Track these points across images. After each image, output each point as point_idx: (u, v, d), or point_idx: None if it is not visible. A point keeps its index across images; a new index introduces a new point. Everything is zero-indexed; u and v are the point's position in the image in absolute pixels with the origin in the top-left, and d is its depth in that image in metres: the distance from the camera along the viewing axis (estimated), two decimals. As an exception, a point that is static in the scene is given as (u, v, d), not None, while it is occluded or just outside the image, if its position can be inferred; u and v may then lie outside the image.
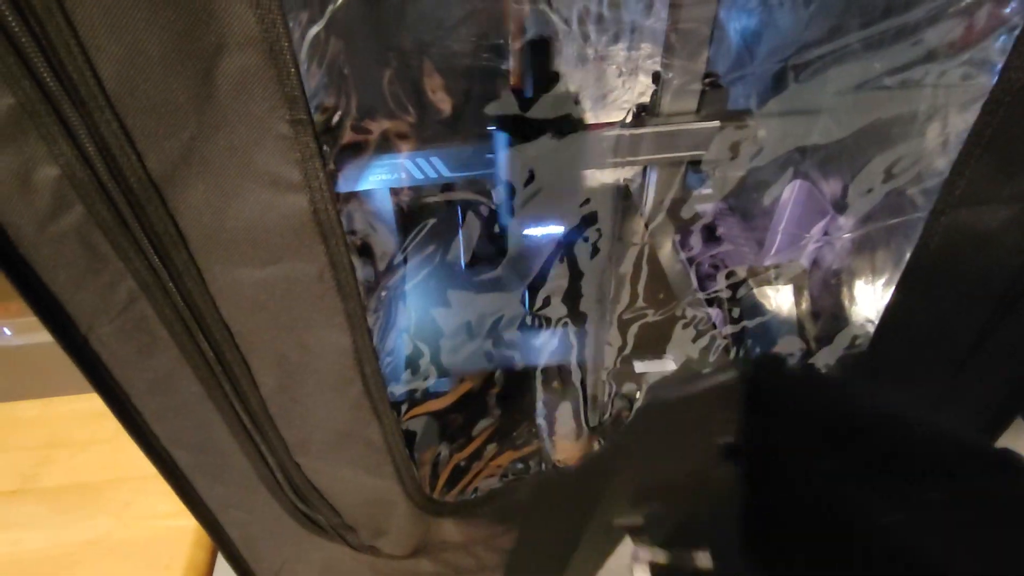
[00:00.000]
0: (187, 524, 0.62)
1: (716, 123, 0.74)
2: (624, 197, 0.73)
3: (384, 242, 0.75)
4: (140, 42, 0.26)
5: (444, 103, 0.71)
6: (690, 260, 0.87)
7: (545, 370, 0.57)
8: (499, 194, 0.64)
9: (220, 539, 0.53)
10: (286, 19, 0.26)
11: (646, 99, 0.77)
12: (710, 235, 0.89)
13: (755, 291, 0.80)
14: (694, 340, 0.60)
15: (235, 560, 0.55)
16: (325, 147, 0.50)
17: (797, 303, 0.76)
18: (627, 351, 0.55)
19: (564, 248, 0.61)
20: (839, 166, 0.74)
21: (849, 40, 0.68)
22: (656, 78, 0.76)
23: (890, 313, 0.42)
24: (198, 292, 0.35)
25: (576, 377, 0.54)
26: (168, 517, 0.63)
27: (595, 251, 0.60)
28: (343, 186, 0.71)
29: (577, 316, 0.55)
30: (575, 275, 0.58)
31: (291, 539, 0.53)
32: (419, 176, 0.75)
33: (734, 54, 0.82)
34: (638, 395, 0.53)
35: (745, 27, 0.81)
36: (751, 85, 0.80)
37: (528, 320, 0.59)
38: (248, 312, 0.36)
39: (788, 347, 0.69)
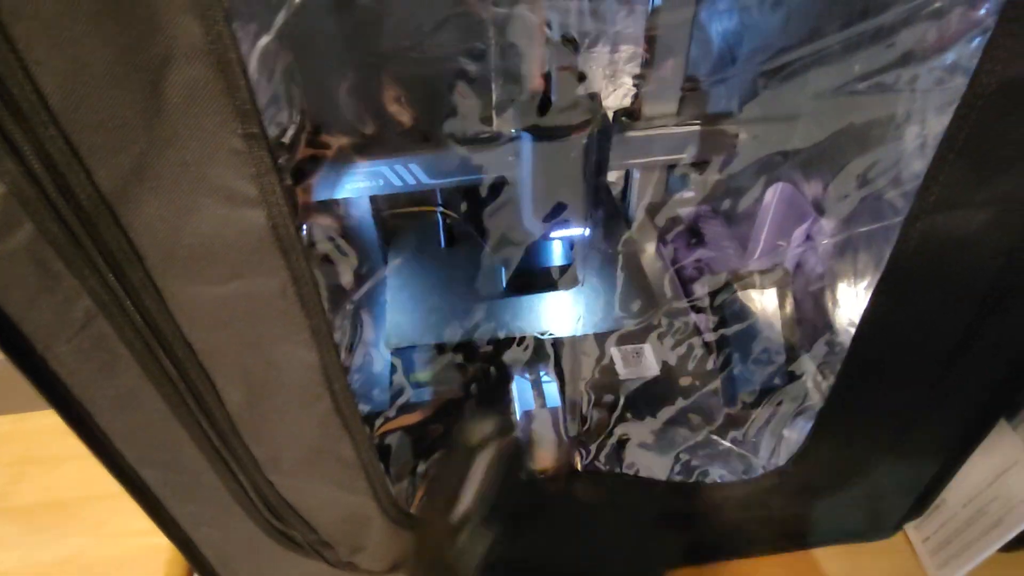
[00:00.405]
0: (162, 542, 0.60)
1: (696, 126, 0.74)
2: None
3: (364, 250, 0.74)
4: (83, 56, 0.25)
5: (409, 112, 0.70)
6: (673, 264, 0.86)
7: (522, 380, 0.56)
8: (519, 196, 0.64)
9: (194, 558, 0.51)
10: (233, 30, 0.25)
11: (628, 103, 0.77)
12: (693, 239, 0.89)
13: (740, 295, 0.80)
14: (672, 348, 0.59)
15: (211, 578, 0.54)
16: (282, 160, 0.49)
17: (780, 307, 0.76)
18: (604, 361, 0.54)
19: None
20: (820, 168, 0.74)
21: (827, 43, 0.68)
22: (636, 81, 0.76)
23: (869, 318, 0.41)
24: (157, 309, 0.34)
25: (555, 387, 0.53)
26: (143, 535, 0.61)
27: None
28: (320, 193, 0.70)
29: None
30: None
31: (267, 557, 0.52)
32: (397, 183, 0.74)
33: (716, 57, 0.81)
34: (620, 405, 0.53)
35: (726, 29, 0.81)
36: (732, 88, 0.79)
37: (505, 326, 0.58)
38: (210, 329, 0.35)
39: (769, 351, 0.69)
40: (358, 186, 0.72)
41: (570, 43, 0.76)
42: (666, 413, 0.55)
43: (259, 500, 0.46)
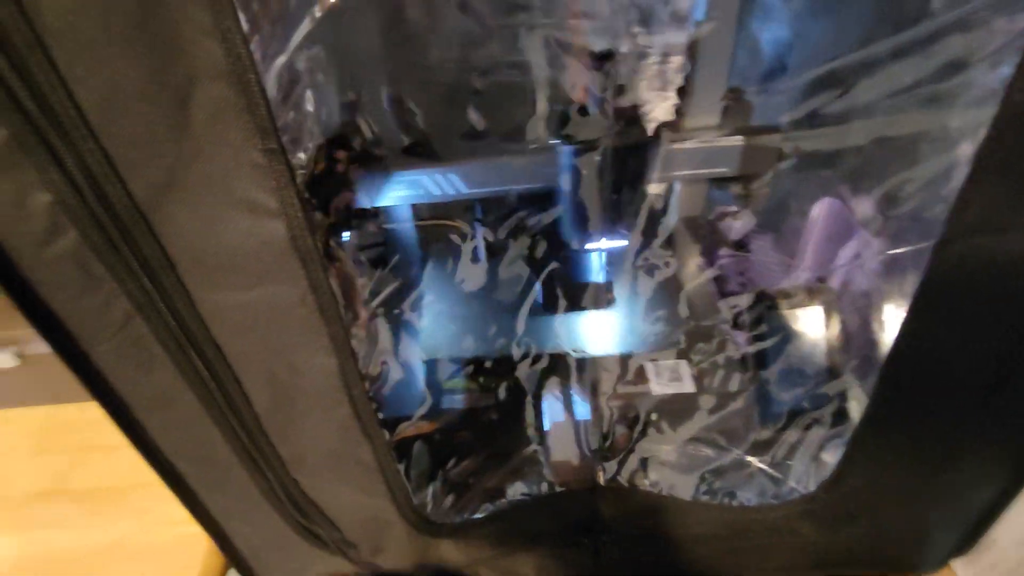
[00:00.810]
0: (201, 532, 0.63)
1: (739, 139, 0.72)
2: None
3: (405, 258, 0.76)
4: (116, 75, 0.27)
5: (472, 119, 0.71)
6: (715, 280, 0.85)
7: (544, 393, 0.56)
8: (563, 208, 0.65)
9: (227, 549, 0.54)
10: (251, 52, 0.26)
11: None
12: (737, 253, 0.87)
13: (783, 313, 0.78)
14: (705, 364, 0.58)
15: (244, 570, 0.56)
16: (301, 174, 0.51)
17: (826, 326, 0.73)
18: (627, 376, 0.54)
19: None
20: (869, 183, 0.71)
21: (878, 49, 0.65)
22: (680, 93, 0.75)
23: (902, 341, 0.40)
24: (188, 313, 0.36)
25: (576, 401, 0.53)
26: (185, 524, 0.64)
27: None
28: (362, 201, 0.72)
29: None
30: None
31: (296, 552, 0.54)
32: (437, 192, 0.75)
33: (762, 66, 0.79)
34: (641, 420, 0.52)
35: (773, 38, 0.79)
36: (779, 99, 0.77)
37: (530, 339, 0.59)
38: (237, 333, 0.37)
39: (810, 372, 0.66)
40: (398, 195, 0.74)
41: (609, 56, 0.76)
42: (688, 431, 0.54)
43: (286, 497, 0.48)
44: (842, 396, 0.63)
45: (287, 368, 0.38)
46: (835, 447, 0.53)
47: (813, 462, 0.54)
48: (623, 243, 0.78)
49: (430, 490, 0.52)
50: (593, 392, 0.52)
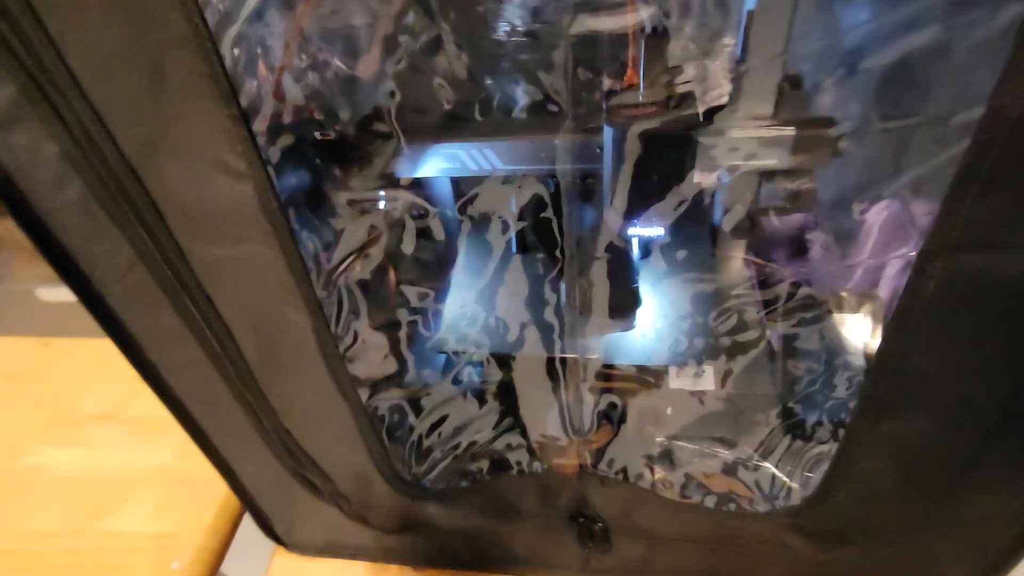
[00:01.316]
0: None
1: (791, 130, 0.69)
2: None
3: (446, 235, 0.77)
4: (99, 40, 0.30)
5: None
6: (760, 278, 0.81)
7: (530, 368, 0.56)
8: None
9: (236, 487, 0.58)
10: (205, 21, 0.28)
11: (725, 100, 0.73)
12: (790, 251, 0.82)
13: (831, 319, 0.74)
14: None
15: (253, 509, 0.61)
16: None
17: (872, 336, 0.69)
18: (601, 362, 0.53)
19: None
20: (931, 186, 0.66)
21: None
22: (734, 79, 0.72)
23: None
24: (181, 264, 0.39)
25: (559, 382, 0.53)
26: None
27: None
28: (403, 171, 0.74)
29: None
30: None
31: (296, 498, 0.57)
32: (473, 167, 0.76)
33: (823, 54, 0.74)
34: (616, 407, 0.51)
35: (836, 24, 0.73)
36: (842, 89, 0.72)
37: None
38: (224, 285, 0.40)
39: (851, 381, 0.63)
40: (437, 167, 0.76)
41: (662, 35, 0.73)
42: (674, 427, 0.52)
43: (280, 444, 0.51)
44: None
45: (269, 322, 0.41)
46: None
47: (804, 474, 0.51)
48: (659, 233, 0.76)
49: (410, 452, 0.53)
50: (582, 374, 0.51)
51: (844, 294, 0.73)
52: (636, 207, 0.65)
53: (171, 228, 0.37)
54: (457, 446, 0.54)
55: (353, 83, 0.57)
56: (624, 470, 0.53)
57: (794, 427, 0.59)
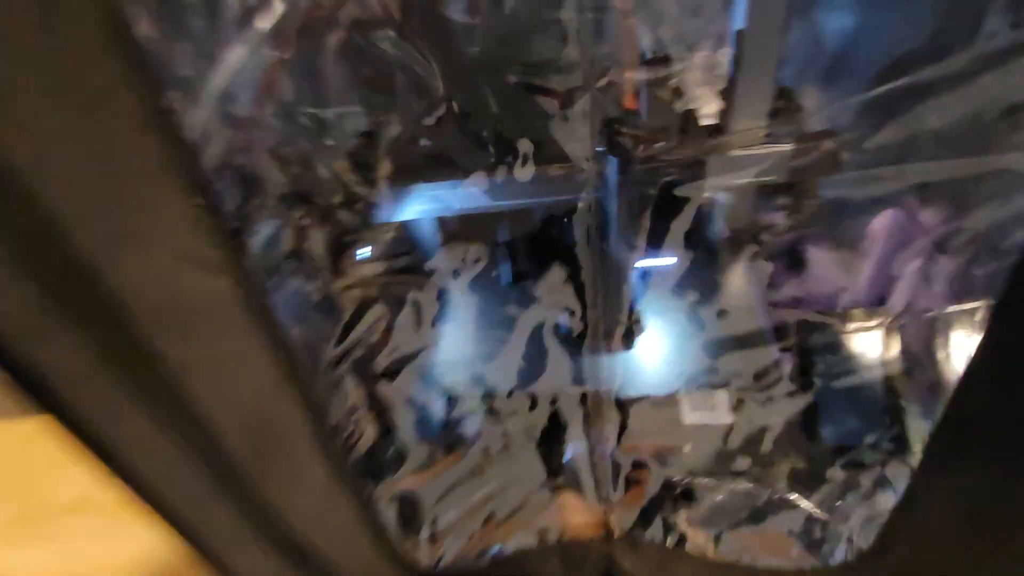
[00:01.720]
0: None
1: (788, 146, 0.66)
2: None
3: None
4: (45, 129, 0.25)
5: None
6: (767, 299, 0.78)
7: (555, 436, 0.52)
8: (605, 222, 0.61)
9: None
10: (172, 106, 0.24)
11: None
12: (791, 266, 0.80)
13: (839, 336, 0.71)
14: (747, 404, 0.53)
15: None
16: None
17: (885, 351, 0.66)
18: (627, 430, 0.49)
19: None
20: (942, 194, 0.63)
21: (958, 59, 0.57)
22: (726, 93, 0.69)
23: (969, 387, 0.33)
24: (155, 365, 0.34)
25: (585, 448, 0.49)
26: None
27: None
28: (384, 215, 0.70)
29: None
30: None
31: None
32: (457, 207, 0.72)
33: (818, 69, 0.72)
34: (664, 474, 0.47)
35: (832, 39, 0.71)
36: (839, 106, 0.70)
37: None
38: (203, 387, 0.35)
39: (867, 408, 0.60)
40: (419, 208, 0.72)
41: (663, 61, 0.70)
42: (719, 491, 0.48)
43: (282, 539, 0.46)
44: (900, 441, 0.56)
45: (258, 421, 0.36)
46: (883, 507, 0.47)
47: (864, 524, 0.47)
48: (662, 263, 0.73)
49: (423, 540, 0.49)
50: (618, 438, 0.48)
51: (853, 309, 0.71)
52: (646, 236, 0.62)
53: (140, 328, 0.33)
54: (477, 523, 0.50)
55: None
56: (657, 532, 0.49)
57: (822, 463, 0.56)
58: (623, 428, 0.48)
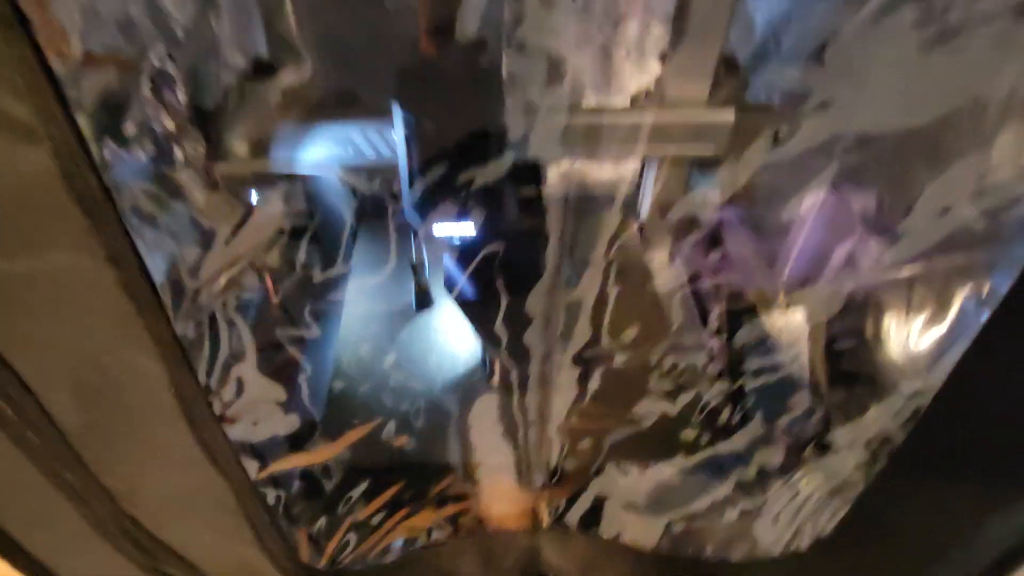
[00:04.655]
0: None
1: (729, 114, 0.63)
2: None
3: (331, 247, 0.63)
4: None
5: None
6: (689, 281, 0.75)
7: (478, 417, 0.45)
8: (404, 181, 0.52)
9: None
10: None
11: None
12: (712, 250, 0.77)
13: (763, 323, 0.68)
14: (673, 395, 0.48)
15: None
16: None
17: (812, 340, 0.64)
18: (583, 402, 0.43)
19: (500, 261, 0.49)
20: (875, 174, 0.62)
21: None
22: (665, 58, 0.65)
23: (957, 384, 0.30)
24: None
25: (520, 428, 0.42)
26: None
27: (538, 266, 0.47)
28: (280, 166, 0.60)
29: (518, 351, 0.42)
30: (516, 297, 0.44)
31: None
32: (370, 155, 0.63)
33: (759, 35, 0.70)
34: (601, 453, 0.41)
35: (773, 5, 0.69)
36: (775, 72, 0.68)
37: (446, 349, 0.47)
38: (17, 321, 0.25)
39: (799, 405, 0.57)
40: (324, 153, 0.62)
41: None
42: (663, 471, 0.43)
43: (123, 536, 0.36)
44: (828, 425, 0.54)
45: (97, 374, 0.26)
46: (830, 502, 0.44)
47: (798, 517, 0.44)
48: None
49: (319, 533, 0.40)
50: (541, 418, 0.41)
51: (780, 293, 0.69)
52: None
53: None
54: (381, 515, 0.41)
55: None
56: (590, 521, 0.43)
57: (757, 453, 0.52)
58: (572, 402, 0.42)
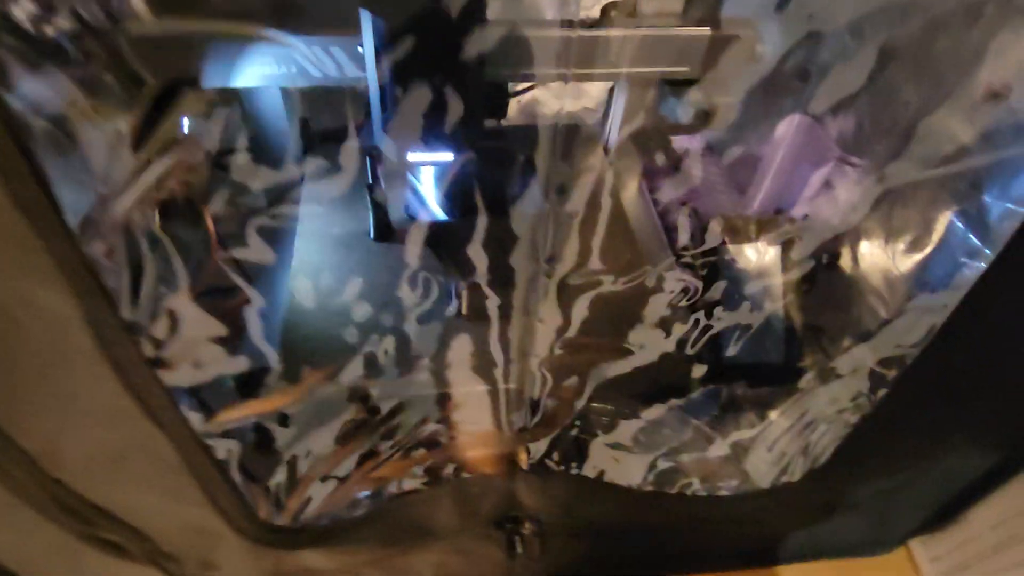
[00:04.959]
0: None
1: (705, 31, 0.59)
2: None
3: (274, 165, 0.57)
4: None
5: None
6: (656, 207, 0.72)
7: (450, 353, 0.41)
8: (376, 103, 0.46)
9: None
10: None
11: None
12: (683, 177, 0.74)
13: (732, 251, 0.66)
14: (667, 327, 0.45)
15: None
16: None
17: (784, 269, 0.62)
18: (569, 332, 0.40)
19: (480, 181, 0.44)
20: (852, 97, 0.60)
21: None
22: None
23: (948, 334, 0.28)
24: None
25: (499, 363, 0.39)
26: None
27: (523, 186, 0.42)
28: (212, 78, 0.53)
29: (500, 278, 0.38)
30: (498, 220, 0.40)
31: (91, 565, 0.38)
32: (316, 74, 0.57)
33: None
34: (584, 394, 0.38)
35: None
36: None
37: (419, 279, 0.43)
38: None
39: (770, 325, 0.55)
40: (262, 73, 0.55)
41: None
42: (653, 412, 0.41)
43: (52, 502, 0.31)
44: (797, 363, 0.53)
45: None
46: (813, 433, 0.43)
47: (782, 450, 0.43)
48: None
49: (279, 488, 0.37)
50: (521, 352, 0.37)
51: (749, 222, 0.67)
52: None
53: None
54: (348, 466, 0.38)
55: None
56: (572, 460, 0.41)
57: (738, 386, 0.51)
58: (560, 332, 0.38)
